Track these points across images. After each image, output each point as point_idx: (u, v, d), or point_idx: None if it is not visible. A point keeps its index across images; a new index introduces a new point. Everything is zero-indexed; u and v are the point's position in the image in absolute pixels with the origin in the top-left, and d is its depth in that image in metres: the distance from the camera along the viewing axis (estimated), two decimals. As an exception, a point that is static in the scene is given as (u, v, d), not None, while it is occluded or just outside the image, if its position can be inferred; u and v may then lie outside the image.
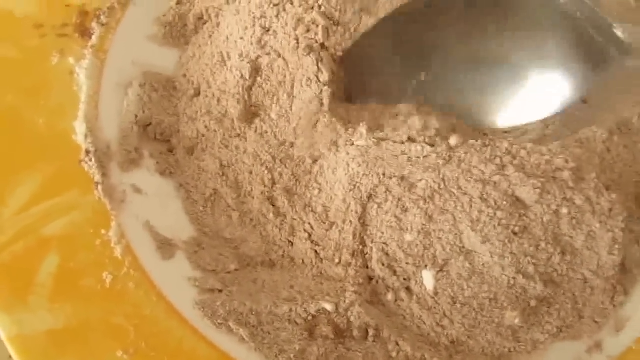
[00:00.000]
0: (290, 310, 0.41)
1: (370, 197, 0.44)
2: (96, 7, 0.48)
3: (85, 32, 0.47)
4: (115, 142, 0.45)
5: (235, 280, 0.44)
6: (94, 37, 0.47)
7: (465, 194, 0.42)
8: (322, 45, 0.46)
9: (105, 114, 0.46)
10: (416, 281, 0.43)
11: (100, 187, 0.43)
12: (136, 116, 0.47)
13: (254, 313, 0.41)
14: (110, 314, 0.40)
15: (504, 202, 0.42)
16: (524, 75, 0.46)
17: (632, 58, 0.43)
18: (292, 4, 0.46)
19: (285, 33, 0.46)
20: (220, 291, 0.43)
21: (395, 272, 0.43)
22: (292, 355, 0.40)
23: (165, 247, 0.43)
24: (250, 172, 0.46)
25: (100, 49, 0.47)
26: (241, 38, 0.47)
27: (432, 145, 0.44)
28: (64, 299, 0.40)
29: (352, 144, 0.44)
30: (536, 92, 0.46)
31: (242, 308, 0.41)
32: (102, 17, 0.48)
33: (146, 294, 0.41)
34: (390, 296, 0.43)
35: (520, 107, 0.46)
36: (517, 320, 0.42)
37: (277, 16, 0.46)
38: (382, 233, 0.43)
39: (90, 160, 0.43)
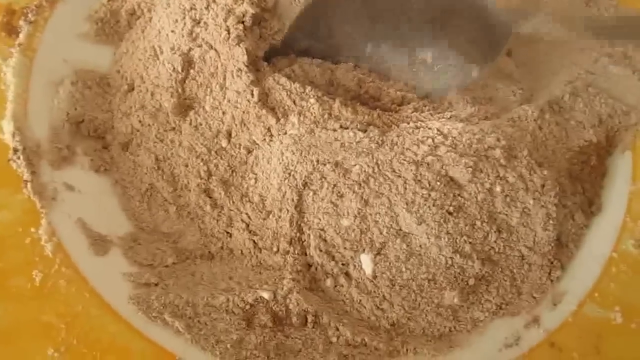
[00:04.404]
0: (228, 300, 0.41)
1: (305, 184, 0.43)
2: (23, 5, 0.47)
3: (12, 31, 0.47)
4: (45, 140, 0.45)
5: (173, 274, 0.43)
6: (21, 35, 0.47)
7: (399, 176, 0.43)
8: (253, 34, 0.46)
9: (35, 112, 0.45)
10: (354, 266, 0.43)
11: (29, 185, 0.42)
12: (67, 113, 0.46)
13: (190, 305, 0.41)
14: (41, 312, 0.39)
15: (438, 183, 0.42)
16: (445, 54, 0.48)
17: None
18: (221, -5, 0.46)
19: (216, 24, 0.46)
20: (156, 285, 0.42)
21: (333, 258, 0.43)
22: (229, 345, 0.40)
23: (99, 243, 0.43)
24: (186, 165, 0.46)
25: (29, 47, 0.47)
26: (172, 31, 0.47)
27: (364, 131, 0.44)
28: (-9, 299, 0.39)
29: (286, 133, 0.44)
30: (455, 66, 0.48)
31: (177, 300, 0.41)
32: (29, 15, 0.47)
33: (78, 290, 0.40)
34: (329, 282, 0.43)
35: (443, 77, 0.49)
36: (456, 300, 0.42)
37: (207, 8, 0.46)
38: (319, 219, 0.43)
39: (19, 158, 0.43)
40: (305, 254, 0.44)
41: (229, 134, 0.45)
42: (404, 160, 0.43)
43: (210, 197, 0.45)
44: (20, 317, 0.39)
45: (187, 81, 0.46)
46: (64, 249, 0.41)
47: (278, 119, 0.44)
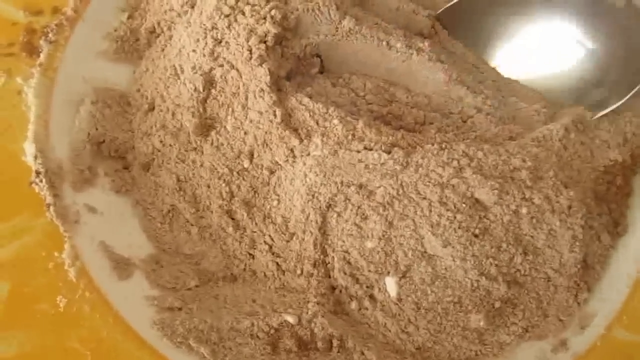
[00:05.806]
0: (252, 324, 0.41)
1: (329, 206, 0.43)
2: (44, 25, 0.47)
3: (32, 51, 0.46)
4: (67, 162, 0.45)
5: (196, 297, 0.43)
6: (42, 55, 0.46)
7: (424, 198, 0.42)
8: (275, 54, 0.46)
9: (56, 133, 0.45)
10: (379, 288, 0.42)
11: (52, 208, 0.42)
12: (89, 134, 0.46)
13: (214, 330, 0.41)
14: (65, 338, 0.39)
15: (463, 205, 0.42)
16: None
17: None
18: (243, 14, 0.46)
19: (237, 44, 0.45)
20: (180, 309, 0.42)
21: (357, 281, 0.43)
22: (254, 371, 0.40)
23: (122, 266, 0.42)
24: (208, 186, 0.45)
25: (49, 67, 0.46)
26: (193, 50, 0.46)
27: (388, 152, 0.43)
28: (16, 325, 0.38)
29: (309, 154, 0.44)
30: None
31: (202, 325, 0.40)
32: (50, 35, 0.47)
33: (102, 316, 0.40)
34: (353, 305, 0.43)
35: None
36: (482, 323, 0.42)
37: (228, 27, 0.46)
38: (343, 242, 0.43)
39: (41, 181, 0.42)
40: (329, 277, 0.43)
41: (251, 155, 0.45)
42: (429, 182, 0.42)
43: (232, 219, 0.45)
44: (44, 343, 0.38)
45: (208, 101, 0.46)
46: (88, 273, 0.41)
47: (301, 140, 0.44)
